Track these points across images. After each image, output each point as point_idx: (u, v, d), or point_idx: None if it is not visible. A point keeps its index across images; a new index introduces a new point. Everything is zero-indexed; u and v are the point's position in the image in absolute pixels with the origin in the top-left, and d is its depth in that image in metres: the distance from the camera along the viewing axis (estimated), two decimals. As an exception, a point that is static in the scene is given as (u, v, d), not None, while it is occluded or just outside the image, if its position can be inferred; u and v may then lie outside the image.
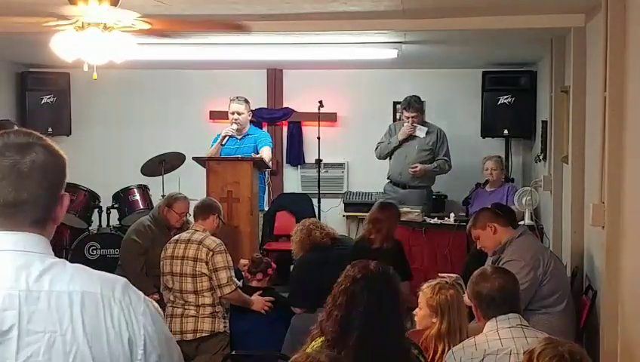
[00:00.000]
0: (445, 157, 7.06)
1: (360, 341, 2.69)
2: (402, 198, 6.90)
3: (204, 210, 5.01)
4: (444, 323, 3.28)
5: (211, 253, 4.70)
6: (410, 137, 7.02)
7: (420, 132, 6.95)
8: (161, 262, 4.87)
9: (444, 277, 3.73)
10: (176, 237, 4.93)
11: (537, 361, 2.33)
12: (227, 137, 6.38)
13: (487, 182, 6.88)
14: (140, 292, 1.54)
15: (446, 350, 3.18)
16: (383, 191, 7.32)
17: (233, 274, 4.79)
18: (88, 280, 1.49)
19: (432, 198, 7.28)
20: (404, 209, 6.65)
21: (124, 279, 1.54)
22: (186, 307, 4.72)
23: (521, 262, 4.14)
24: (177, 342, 5.17)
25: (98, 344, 1.44)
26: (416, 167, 6.89)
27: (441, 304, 3.31)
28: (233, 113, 6.47)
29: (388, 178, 7.20)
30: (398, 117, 7.15)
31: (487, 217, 4.44)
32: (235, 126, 6.42)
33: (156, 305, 1.59)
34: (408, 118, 7.00)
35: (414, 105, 7.00)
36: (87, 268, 1.53)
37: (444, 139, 7.10)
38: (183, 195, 5.69)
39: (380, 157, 7.24)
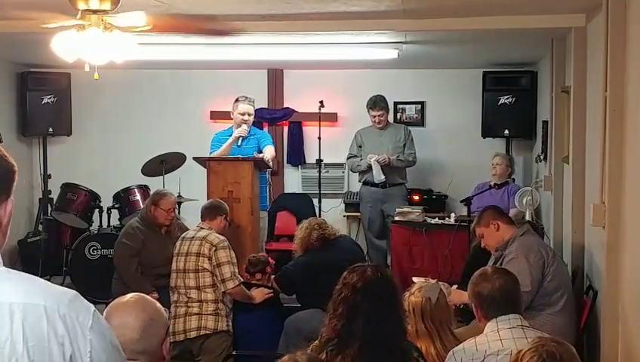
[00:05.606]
0: (411, 151, 7.34)
1: (362, 348, 2.70)
2: (384, 198, 7.17)
3: (212, 210, 5.07)
4: (413, 326, 3.28)
5: (214, 248, 4.75)
6: (382, 138, 7.30)
7: (377, 174, 7.09)
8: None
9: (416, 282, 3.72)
10: (183, 234, 5.00)
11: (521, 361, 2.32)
12: (240, 138, 6.37)
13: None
14: (90, 305, 1.45)
15: (424, 349, 3.15)
16: (358, 193, 7.53)
17: (236, 270, 4.81)
18: (32, 291, 1.41)
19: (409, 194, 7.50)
20: (405, 209, 6.68)
21: (73, 292, 1.45)
22: (189, 304, 4.75)
23: (523, 261, 4.16)
24: (182, 340, 5.13)
25: (40, 357, 1.36)
26: (385, 158, 7.10)
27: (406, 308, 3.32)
28: (243, 114, 6.41)
29: (365, 182, 7.31)
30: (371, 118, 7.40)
31: (491, 215, 4.48)
32: (245, 127, 6.40)
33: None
34: (375, 116, 7.28)
35: (380, 103, 7.28)
36: (35, 278, 1.45)
37: (411, 135, 7.41)
38: (168, 191, 5.65)
39: (352, 171, 7.59)
